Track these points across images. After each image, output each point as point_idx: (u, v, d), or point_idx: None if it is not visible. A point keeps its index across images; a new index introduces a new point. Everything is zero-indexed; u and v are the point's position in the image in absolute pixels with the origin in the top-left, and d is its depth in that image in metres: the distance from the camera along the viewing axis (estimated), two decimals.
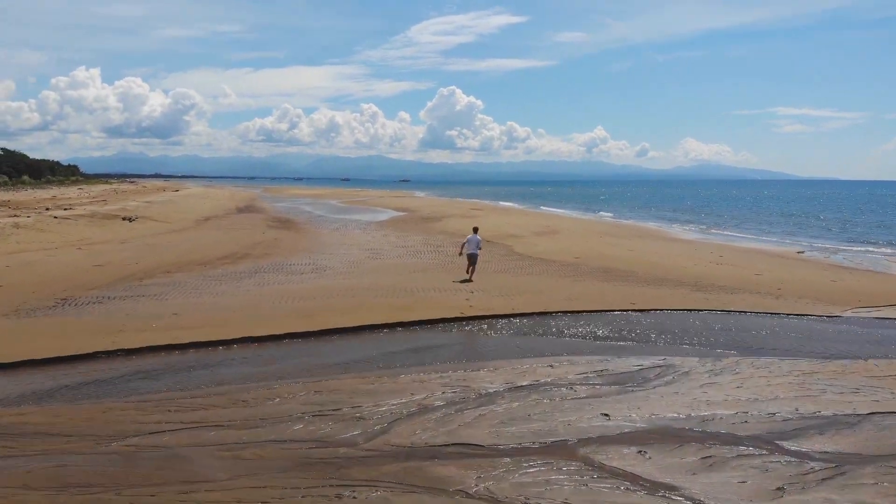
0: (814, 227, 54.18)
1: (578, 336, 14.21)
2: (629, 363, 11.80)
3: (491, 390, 10.06)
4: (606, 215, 70.23)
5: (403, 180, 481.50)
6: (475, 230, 22.23)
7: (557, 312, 16.27)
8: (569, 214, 70.24)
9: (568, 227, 44.46)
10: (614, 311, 16.69)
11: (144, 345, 12.70)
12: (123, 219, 40.31)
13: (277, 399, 9.61)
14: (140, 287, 19.08)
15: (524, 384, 10.39)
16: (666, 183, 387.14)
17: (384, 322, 14.69)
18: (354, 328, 14.26)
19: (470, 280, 20.76)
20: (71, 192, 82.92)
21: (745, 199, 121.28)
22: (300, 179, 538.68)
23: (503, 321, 15.43)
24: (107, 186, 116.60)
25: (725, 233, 47.49)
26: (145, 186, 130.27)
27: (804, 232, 48.91)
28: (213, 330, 13.82)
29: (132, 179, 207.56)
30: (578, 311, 16.44)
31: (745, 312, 17.03)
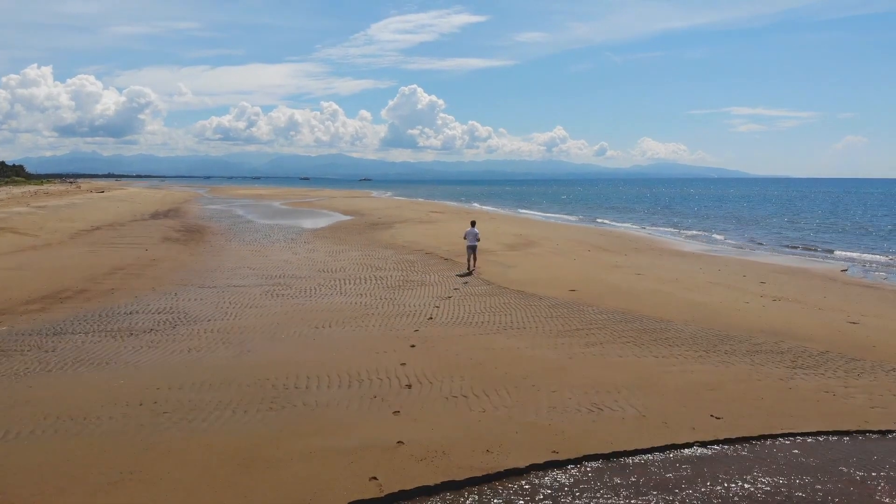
0: (811, 231, 46.88)
1: None
2: None
3: None
4: (582, 219, 62.32)
5: (364, 179, 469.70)
6: (473, 224, 23.61)
7: (583, 460, 7.70)
8: (541, 218, 62.06)
9: (546, 237, 36.15)
10: (692, 446, 8.21)
11: None
12: None
13: None
14: None
15: None
16: (626, 181, 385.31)
17: None
18: None
19: (470, 272, 21.87)
20: None
21: (712, 199, 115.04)
22: (258, 178, 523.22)
23: None
24: (33, 187, 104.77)
25: (732, 243, 39.79)
26: (79, 187, 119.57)
27: (807, 238, 41.45)
28: None
29: (71, 179, 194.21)
30: (623, 454, 7.90)
31: None
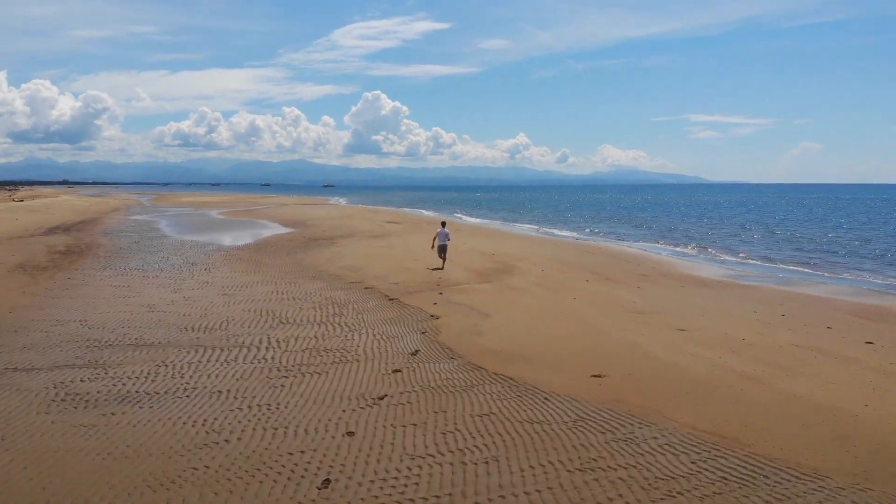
0: (816, 247, 40.22)
1: None
2: None
3: None
4: (557, 230, 54.97)
5: (328, 185, 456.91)
6: (443, 224, 25.62)
7: None
8: (515, 230, 54.35)
9: (524, 256, 28.55)
10: None
11: None
12: None
13: None
14: None
15: None
16: (589, 188, 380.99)
17: None
18: None
19: (442, 268, 22.82)
20: None
21: (681, 205, 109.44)
22: (217, 185, 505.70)
23: None
24: None
25: (750, 264, 32.79)
26: (11, 195, 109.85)
27: (824, 258, 34.47)
28: None
29: (10, 187, 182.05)
30: None
31: None
